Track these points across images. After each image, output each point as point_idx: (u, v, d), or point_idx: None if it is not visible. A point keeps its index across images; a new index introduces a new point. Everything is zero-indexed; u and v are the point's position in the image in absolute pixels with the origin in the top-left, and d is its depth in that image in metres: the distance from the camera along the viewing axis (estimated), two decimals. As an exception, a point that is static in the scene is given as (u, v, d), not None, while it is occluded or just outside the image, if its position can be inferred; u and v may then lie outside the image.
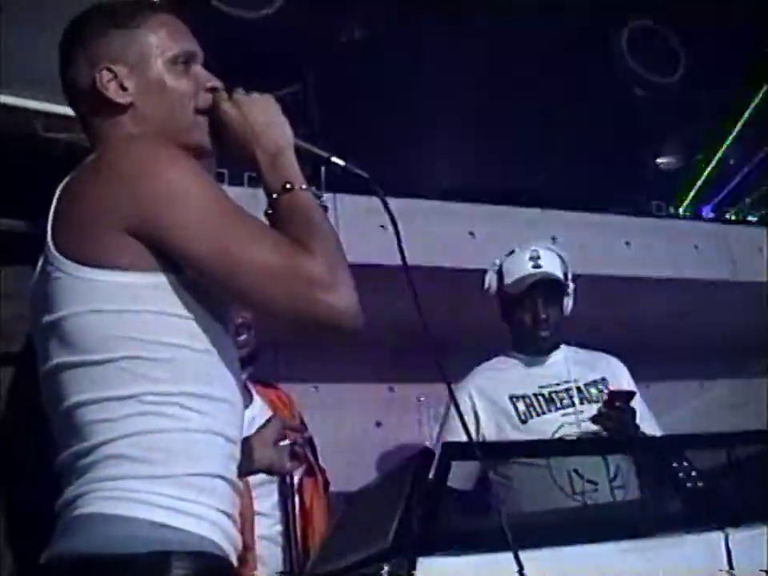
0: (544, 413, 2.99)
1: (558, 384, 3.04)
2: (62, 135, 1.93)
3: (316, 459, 3.03)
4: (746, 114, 5.30)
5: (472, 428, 2.92)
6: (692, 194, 5.24)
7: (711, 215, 5.21)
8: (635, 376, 3.19)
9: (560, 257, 3.14)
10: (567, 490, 2.76)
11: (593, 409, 2.96)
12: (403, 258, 1.57)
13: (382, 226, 3.43)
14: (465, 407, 2.94)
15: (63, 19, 1.57)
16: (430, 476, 2.03)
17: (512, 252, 3.13)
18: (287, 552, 2.87)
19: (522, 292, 3.04)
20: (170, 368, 1.37)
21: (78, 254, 1.37)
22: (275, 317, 1.43)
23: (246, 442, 1.54)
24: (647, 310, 4.63)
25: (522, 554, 1.51)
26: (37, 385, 1.44)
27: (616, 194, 4.81)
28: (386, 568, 1.89)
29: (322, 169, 1.68)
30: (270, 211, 1.46)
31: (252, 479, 2.52)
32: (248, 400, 2.80)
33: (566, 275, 3.12)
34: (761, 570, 2.06)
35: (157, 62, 1.51)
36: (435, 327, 1.54)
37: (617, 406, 2.87)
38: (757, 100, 5.28)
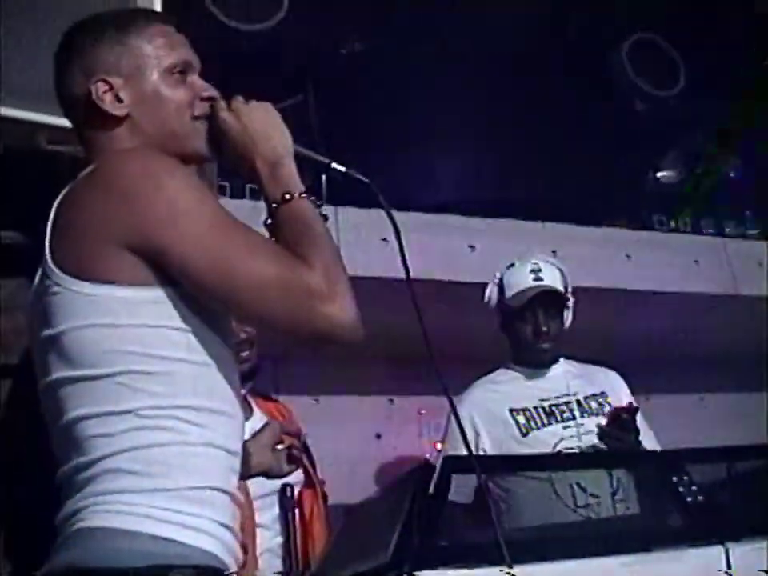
0: (545, 425, 2.98)
1: (558, 397, 3.03)
2: (66, 148, 1.92)
3: (314, 470, 3.02)
4: (747, 127, 5.30)
5: (472, 441, 2.91)
6: (692, 207, 5.23)
7: (711, 229, 5.20)
8: (635, 389, 3.19)
9: (560, 270, 3.14)
10: (570, 504, 2.75)
11: (593, 422, 2.95)
12: (406, 267, 1.56)
13: (383, 239, 3.45)
14: (465, 420, 2.93)
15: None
16: (431, 490, 2.03)
17: (512, 265, 3.13)
18: (287, 563, 2.85)
19: (522, 305, 3.04)
20: (168, 382, 1.36)
21: (76, 268, 1.36)
22: (275, 330, 1.42)
23: (243, 447, 1.53)
24: (648, 323, 4.63)
25: (525, 569, 1.51)
26: (35, 398, 1.44)
27: (617, 208, 4.81)
28: (385, 581, 1.88)
29: (323, 181, 1.67)
30: (269, 221, 1.45)
31: (253, 492, 2.51)
32: (248, 413, 2.80)
33: (566, 288, 3.12)
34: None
35: (153, 72, 1.50)
36: (435, 340, 1.54)
37: (623, 418, 2.86)
38: (757, 112, 5.28)
